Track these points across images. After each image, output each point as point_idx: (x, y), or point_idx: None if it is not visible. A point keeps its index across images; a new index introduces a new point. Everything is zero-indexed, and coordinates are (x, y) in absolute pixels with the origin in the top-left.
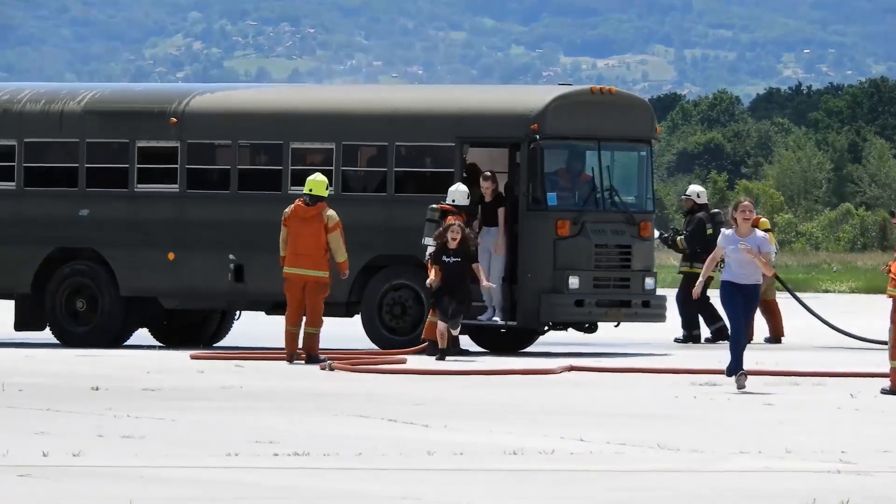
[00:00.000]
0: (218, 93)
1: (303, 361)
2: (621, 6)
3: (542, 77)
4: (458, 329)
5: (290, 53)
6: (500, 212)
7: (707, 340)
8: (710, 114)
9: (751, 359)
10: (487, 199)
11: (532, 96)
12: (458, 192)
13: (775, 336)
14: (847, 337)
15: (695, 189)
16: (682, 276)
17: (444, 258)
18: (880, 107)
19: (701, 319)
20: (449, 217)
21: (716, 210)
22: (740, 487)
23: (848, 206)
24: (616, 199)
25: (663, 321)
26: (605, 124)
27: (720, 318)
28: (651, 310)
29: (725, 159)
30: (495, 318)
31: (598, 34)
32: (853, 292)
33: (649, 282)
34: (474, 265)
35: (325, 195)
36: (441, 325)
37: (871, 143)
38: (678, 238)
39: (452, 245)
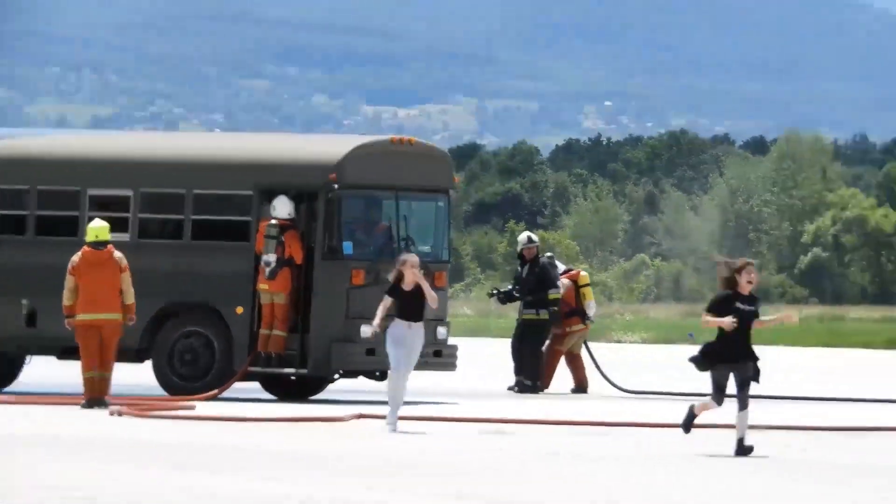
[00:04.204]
0: (17, 139)
1: (101, 406)
2: (424, 56)
3: (343, 126)
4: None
5: (92, 100)
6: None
7: (511, 388)
8: (508, 164)
9: (540, 409)
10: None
11: (331, 146)
12: (286, 203)
13: (579, 386)
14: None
15: (537, 237)
16: (521, 323)
17: (739, 304)
18: (679, 159)
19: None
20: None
21: (549, 254)
22: None
23: (643, 257)
24: (412, 248)
25: (454, 370)
26: (404, 174)
27: (539, 376)
28: (442, 359)
29: (523, 209)
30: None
31: (401, 83)
32: (644, 342)
33: (441, 331)
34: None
35: (110, 239)
36: (707, 403)
37: (669, 194)
38: (508, 290)
39: (747, 289)
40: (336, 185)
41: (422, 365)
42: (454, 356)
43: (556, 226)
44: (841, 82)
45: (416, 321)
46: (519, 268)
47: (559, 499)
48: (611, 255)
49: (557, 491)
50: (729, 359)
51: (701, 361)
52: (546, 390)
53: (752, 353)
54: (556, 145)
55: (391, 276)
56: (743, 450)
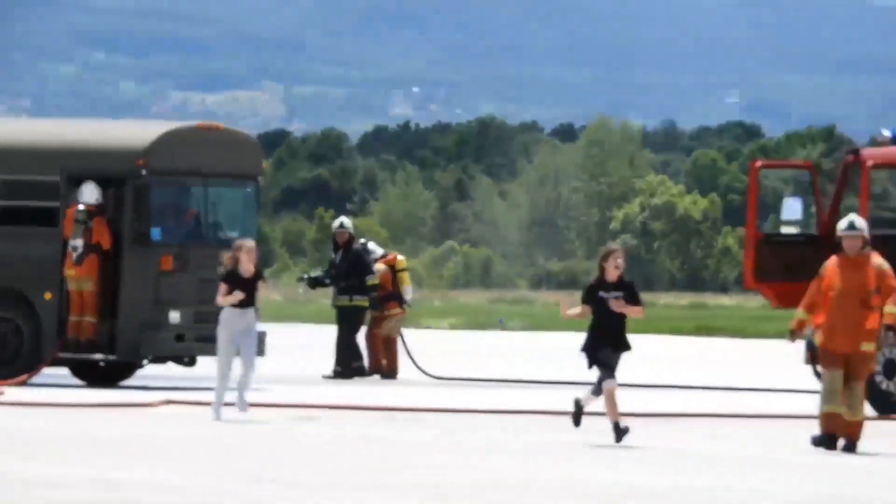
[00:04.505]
0: None
1: None
2: (232, 41)
3: (151, 112)
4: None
5: None
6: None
7: (328, 377)
8: (317, 150)
9: (350, 395)
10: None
11: (139, 132)
12: (93, 189)
13: (390, 371)
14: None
15: (350, 222)
16: (336, 310)
17: (602, 293)
18: (487, 145)
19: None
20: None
21: (363, 240)
22: None
23: (452, 243)
24: (220, 234)
25: (263, 356)
26: (212, 160)
27: (360, 357)
28: None
29: (332, 195)
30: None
31: (208, 69)
32: (453, 328)
33: None
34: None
35: None
36: (609, 384)
37: (478, 181)
38: (318, 276)
39: (613, 274)
40: (144, 172)
41: None
42: (263, 342)
43: (365, 212)
44: (648, 70)
45: (247, 307)
46: (333, 253)
47: (360, 482)
48: (420, 241)
49: (358, 474)
50: (604, 341)
51: (589, 357)
52: (372, 374)
53: (625, 343)
54: (365, 132)
55: (226, 262)
56: (578, 418)
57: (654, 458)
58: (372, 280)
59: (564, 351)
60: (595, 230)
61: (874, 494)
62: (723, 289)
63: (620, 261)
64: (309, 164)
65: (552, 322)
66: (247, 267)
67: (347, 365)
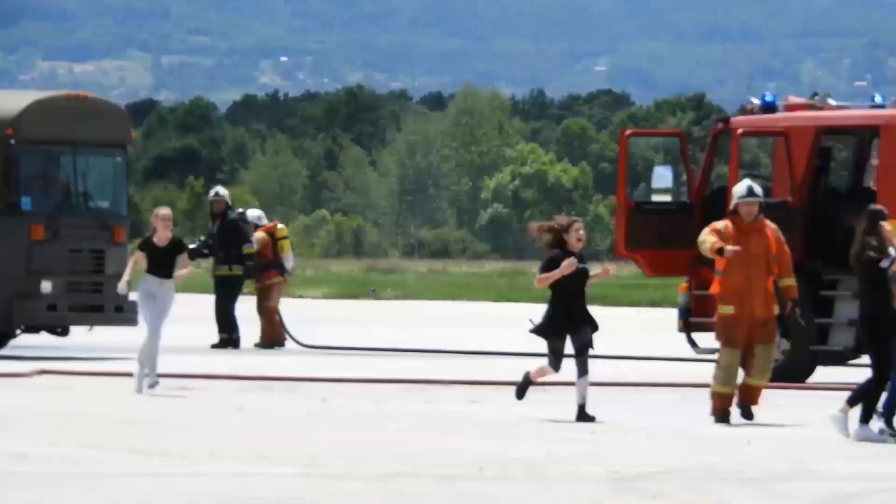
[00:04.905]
0: None
1: None
2: (99, 10)
3: (18, 81)
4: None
5: None
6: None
7: (216, 345)
8: (186, 120)
9: (227, 364)
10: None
11: (7, 101)
12: None
13: (268, 342)
14: (297, 344)
15: (225, 191)
16: (216, 279)
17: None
18: (356, 114)
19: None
20: None
21: (241, 210)
22: (212, 492)
23: (323, 212)
24: (91, 204)
25: (135, 325)
26: (81, 130)
27: (236, 329)
28: (124, 314)
29: (202, 165)
30: None
31: (76, 39)
32: (326, 298)
33: (122, 287)
34: None
35: None
36: (546, 370)
37: (347, 150)
38: (194, 248)
39: (577, 247)
40: (13, 141)
41: (104, 320)
42: (136, 312)
43: (236, 181)
44: (516, 38)
45: (166, 278)
46: (211, 223)
47: (235, 451)
48: (291, 210)
49: (233, 444)
50: (567, 323)
51: (545, 331)
52: (278, 345)
53: (590, 317)
54: (234, 101)
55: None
56: (584, 416)
57: (530, 428)
58: (248, 249)
59: (437, 319)
60: (466, 199)
61: (755, 463)
62: (595, 257)
63: (583, 232)
64: (178, 134)
65: (424, 291)
66: (162, 235)
67: (229, 331)
